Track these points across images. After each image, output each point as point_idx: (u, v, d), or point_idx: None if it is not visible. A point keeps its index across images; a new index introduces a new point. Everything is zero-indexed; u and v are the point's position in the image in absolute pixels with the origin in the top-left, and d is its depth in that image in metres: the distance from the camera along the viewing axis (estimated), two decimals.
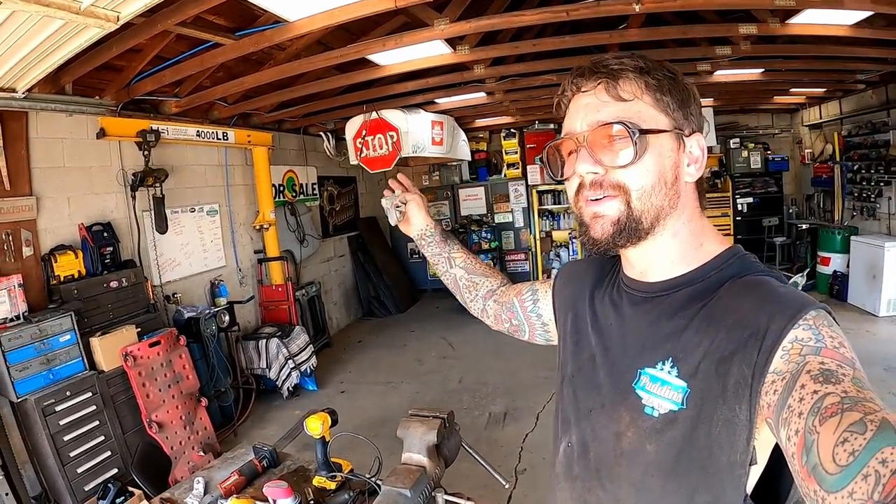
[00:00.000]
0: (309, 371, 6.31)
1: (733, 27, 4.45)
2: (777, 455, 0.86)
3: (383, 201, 1.68)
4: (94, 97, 4.38)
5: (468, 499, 1.91)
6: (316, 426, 2.16)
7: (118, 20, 2.67)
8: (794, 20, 4.25)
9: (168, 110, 5.21)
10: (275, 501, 1.93)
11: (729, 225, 8.99)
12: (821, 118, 8.74)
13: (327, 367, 6.96)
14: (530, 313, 1.42)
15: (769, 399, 0.78)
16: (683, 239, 1.00)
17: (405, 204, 1.67)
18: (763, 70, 6.15)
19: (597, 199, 0.96)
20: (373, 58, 4.80)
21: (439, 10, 4.08)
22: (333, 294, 8.73)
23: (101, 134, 4.55)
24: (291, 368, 6.02)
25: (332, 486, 2.15)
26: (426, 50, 4.71)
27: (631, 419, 0.96)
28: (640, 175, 0.93)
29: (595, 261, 1.25)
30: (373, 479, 2.04)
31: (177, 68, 4.36)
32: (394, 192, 1.69)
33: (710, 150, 6.06)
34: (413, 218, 1.67)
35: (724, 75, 6.21)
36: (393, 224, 1.68)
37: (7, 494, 3.35)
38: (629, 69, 0.95)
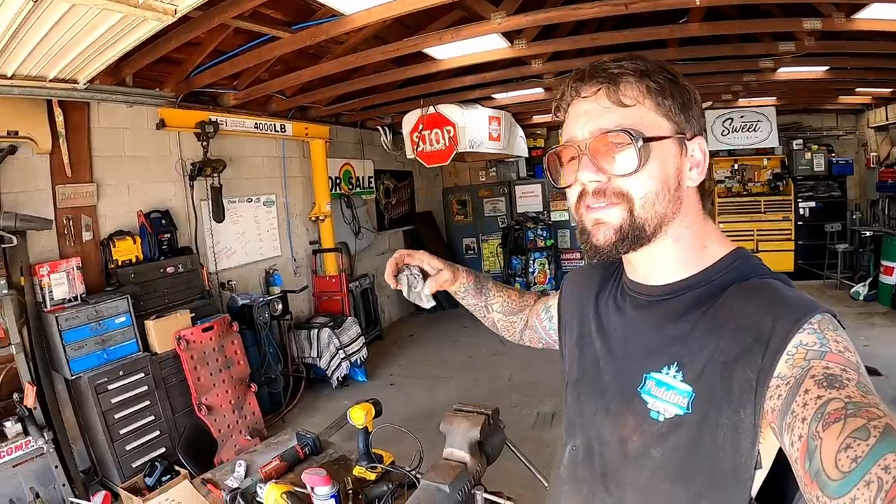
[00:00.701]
0: (359, 362, 6.36)
1: (797, 22, 4.20)
2: (782, 458, 0.84)
3: (404, 288, 1.51)
4: (153, 89, 4.52)
5: (509, 498, 1.87)
6: (359, 416, 2.16)
7: (175, 13, 2.70)
8: (860, 15, 3.98)
9: (227, 102, 5.33)
10: (313, 489, 1.93)
11: (790, 230, 8.67)
12: (887, 120, 8.21)
13: (378, 360, 7.00)
14: (550, 331, 1.43)
15: (773, 404, 0.78)
16: (686, 243, 0.99)
17: (421, 276, 1.52)
18: (828, 68, 5.83)
19: (599, 207, 0.94)
20: (430, 51, 4.79)
21: (496, 4, 4.01)
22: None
23: (161, 125, 4.70)
24: (342, 359, 6.08)
25: (372, 476, 2.15)
26: (483, 44, 4.65)
27: (636, 424, 0.96)
28: (643, 183, 0.92)
29: (598, 267, 1.24)
30: (413, 472, 2.02)
31: (234, 61, 4.44)
32: (405, 267, 1.54)
33: (772, 151, 6.04)
34: (441, 283, 1.53)
35: (787, 73, 5.92)
36: (428, 307, 1.54)
37: (56, 467, 3.47)
38: (629, 73, 0.93)
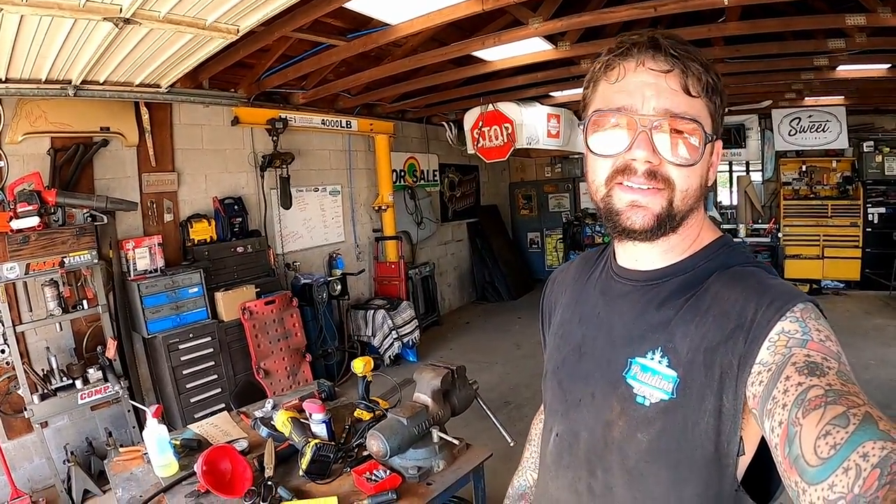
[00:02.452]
0: (411, 343, 6.79)
1: (839, 18, 4.13)
2: (764, 448, 0.86)
3: None
4: (228, 90, 5.10)
5: (460, 439, 2.28)
6: (359, 366, 2.69)
7: (238, 32, 3.18)
8: None
9: (296, 101, 5.87)
10: (310, 414, 2.45)
11: (858, 236, 8.21)
12: None
13: (431, 343, 7.40)
14: None
15: (754, 390, 0.79)
16: (687, 234, 0.98)
17: None
18: (890, 66, 5.61)
19: (640, 189, 0.91)
20: (478, 54, 5.08)
21: (533, 10, 4.22)
22: (448, 276, 9.18)
23: (235, 121, 5.29)
24: (394, 339, 6.53)
25: (367, 417, 2.59)
26: (526, 47, 4.88)
27: (622, 409, 0.96)
28: (689, 176, 0.91)
29: (578, 260, 1.27)
30: (388, 410, 2.44)
31: (298, 66, 4.93)
32: None
33: (841, 152, 7.20)
34: None
35: (847, 70, 5.73)
36: None
37: (129, 411, 4.08)
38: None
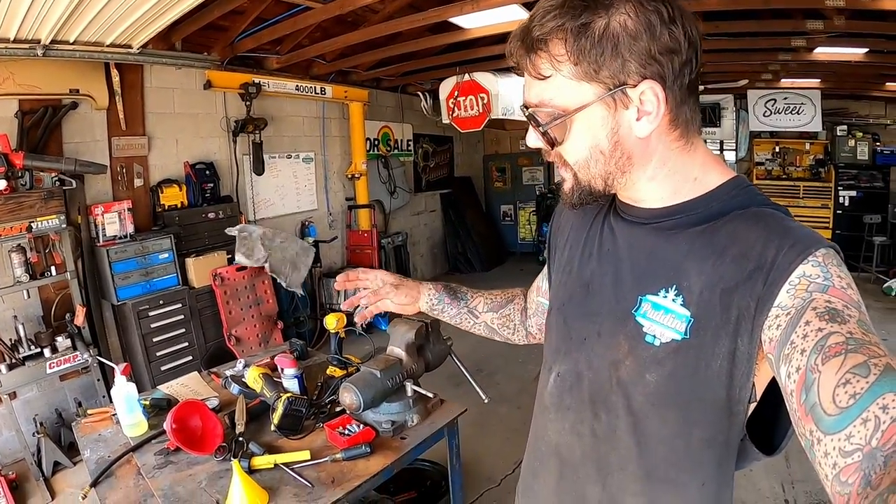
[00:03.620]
0: (383, 312, 6.82)
1: None
2: (773, 396, 0.85)
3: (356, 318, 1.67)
4: (201, 53, 4.99)
5: (434, 394, 2.30)
6: (332, 322, 2.71)
7: None
8: None
9: (270, 66, 5.78)
10: (283, 369, 2.48)
11: (828, 218, 8.39)
12: None
13: None
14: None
15: (771, 334, 0.77)
16: (665, 178, 0.94)
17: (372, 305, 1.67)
18: (867, 50, 5.71)
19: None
20: (455, 20, 5.01)
21: None
22: (421, 246, 9.23)
23: (208, 85, 5.20)
24: (366, 307, 6.56)
25: (340, 373, 2.61)
26: (504, 14, 4.83)
27: (630, 347, 0.93)
28: (572, 151, 0.91)
29: None
30: (362, 363, 2.47)
31: (273, 29, 4.86)
32: (354, 308, 1.68)
33: (815, 135, 6.97)
34: (406, 304, 1.62)
35: (824, 53, 5.80)
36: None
37: (98, 380, 4.08)
38: (551, 31, 0.84)
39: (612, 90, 0.84)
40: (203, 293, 4.94)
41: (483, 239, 10.03)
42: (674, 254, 0.92)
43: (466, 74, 7.04)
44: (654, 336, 0.90)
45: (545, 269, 1.35)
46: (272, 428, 2.20)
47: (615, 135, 0.89)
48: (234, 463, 1.82)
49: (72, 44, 3.72)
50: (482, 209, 10.78)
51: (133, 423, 2.27)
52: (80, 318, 3.97)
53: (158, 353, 4.54)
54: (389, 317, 6.46)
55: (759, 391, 0.86)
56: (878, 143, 8.57)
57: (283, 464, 1.98)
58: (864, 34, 5.07)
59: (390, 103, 8.21)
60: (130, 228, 4.49)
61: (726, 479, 0.94)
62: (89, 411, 2.61)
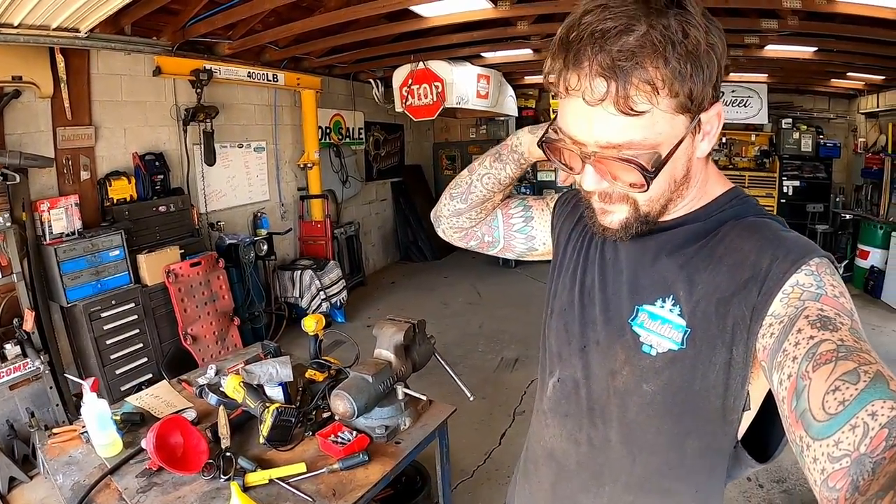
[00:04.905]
0: (339, 304, 6.73)
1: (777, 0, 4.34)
2: (769, 403, 0.86)
3: None
4: (151, 38, 4.70)
5: (424, 395, 2.28)
6: (310, 324, 2.63)
7: None
8: None
9: (221, 52, 5.50)
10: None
11: (772, 206, 8.63)
12: (877, 107, 8.21)
13: (358, 303, 7.35)
14: (516, 232, 1.32)
15: (765, 342, 0.77)
16: (688, 194, 0.93)
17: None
18: (815, 49, 5.92)
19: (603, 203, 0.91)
20: (415, 9, 4.91)
21: None
22: (372, 236, 9.09)
23: (157, 72, 4.91)
24: (322, 300, 6.44)
25: (321, 377, 2.53)
26: (467, 4, 4.80)
27: (627, 357, 0.94)
28: (652, 186, 0.83)
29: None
30: (348, 368, 2.43)
31: (228, 13, 4.61)
32: None
33: (760, 128, 7.11)
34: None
35: (775, 51, 6.00)
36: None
37: (51, 388, 3.83)
38: (643, 58, 0.73)
39: (696, 117, 0.80)
40: (156, 291, 4.70)
41: (434, 227, 9.91)
42: (672, 264, 0.92)
43: (421, 63, 6.96)
44: (651, 346, 0.90)
45: (530, 200, 1.35)
46: (260, 440, 2.12)
47: (689, 161, 0.86)
48: (234, 486, 1.75)
49: (16, 27, 3.42)
50: (432, 197, 10.59)
51: (107, 442, 2.12)
52: (28, 323, 3.71)
53: (113, 357, 4.31)
54: (344, 310, 6.36)
55: (756, 399, 0.87)
56: (821, 136, 8.93)
57: (278, 478, 1.92)
58: (815, 34, 5.25)
59: (342, 91, 8.01)
60: (78, 225, 4.22)
61: (718, 485, 0.96)
62: (54, 430, 2.44)
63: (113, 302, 4.34)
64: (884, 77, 7.22)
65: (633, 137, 0.77)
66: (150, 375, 4.54)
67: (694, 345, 0.86)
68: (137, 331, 4.53)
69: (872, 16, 4.24)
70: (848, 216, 8.41)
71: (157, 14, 4.40)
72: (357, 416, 2.06)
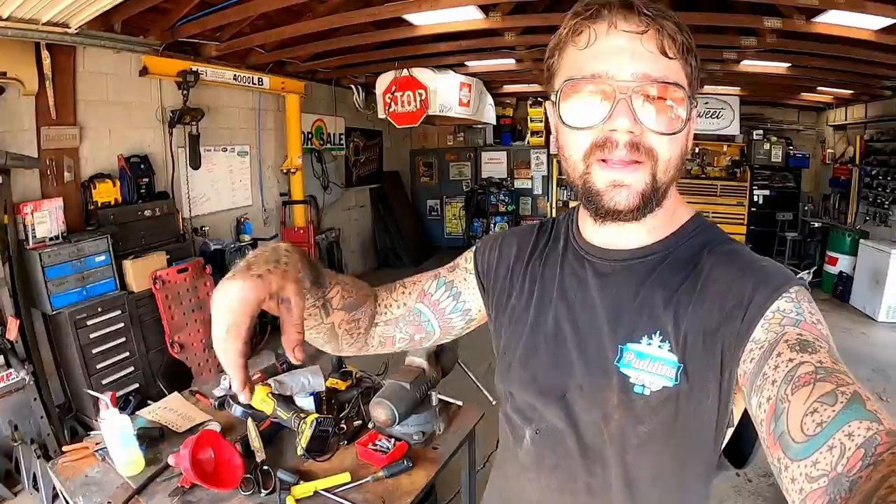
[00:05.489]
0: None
1: (759, 19, 4.41)
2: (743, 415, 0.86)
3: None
4: (139, 36, 4.49)
5: (459, 401, 2.30)
6: None
7: None
8: (820, 19, 4.22)
9: (208, 54, 5.31)
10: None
11: (743, 215, 8.84)
12: (846, 120, 8.49)
13: None
14: (451, 314, 1.16)
15: (745, 367, 0.76)
16: (666, 208, 0.90)
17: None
18: (789, 65, 6.06)
19: (621, 164, 0.81)
20: (409, 17, 4.89)
21: None
22: (351, 242, 8.90)
23: (144, 72, 4.69)
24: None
25: (343, 386, 2.49)
26: (460, 14, 4.78)
27: (620, 400, 0.87)
28: (673, 146, 0.82)
29: (518, 233, 1.14)
30: (379, 377, 2.44)
31: (222, 14, 4.45)
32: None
33: (732, 138, 7.19)
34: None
35: (750, 65, 6.14)
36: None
37: (35, 400, 3.57)
38: (669, 20, 0.79)
39: (694, 101, 0.84)
40: (142, 298, 4.46)
41: (411, 233, 9.87)
42: (653, 299, 0.88)
43: (405, 70, 6.88)
44: (644, 385, 0.85)
45: (446, 274, 1.18)
46: (299, 451, 2.02)
47: (688, 144, 0.87)
48: (291, 500, 1.71)
49: (5, 20, 3.20)
50: (410, 203, 10.58)
51: (129, 460, 1.96)
52: (13, 332, 3.45)
53: (99, 366, 4.05)
54: None
55: (738, 416, 0.87)
56: (790, 147, 9.14)
57: (324, 490, 1.85)
58: (791, 51, 5.36)
59: (324, 96, 7.83)
60: (62, 229, 3.98)
61: (709, 493, 0.95)
62: (64, 448, 2.27)
63: (99, 309, 4.10)
64: (852, 91, 7.45)
65: (668, 75, 0.79)
66: (136, 385, 4.31)
67: (687, 379, 0.83)
68: (124, 339, 4.29)
69: (849, 36, 4.37)
70: (817, 224, 8.62)
71: (146, 13, 4.21)
72: (397, 424, 2.05)
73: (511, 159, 10.32)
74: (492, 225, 9.70)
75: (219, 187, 5.95)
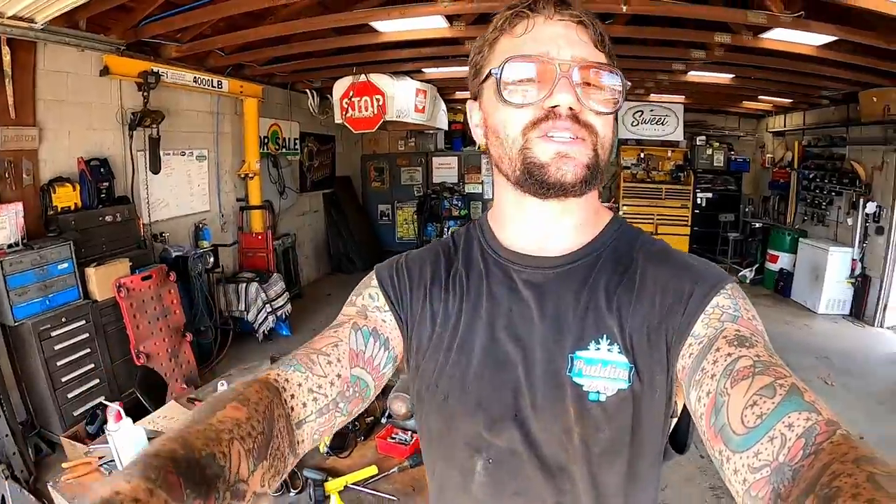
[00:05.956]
0: (284, 317, 6.40)
1: (709, 35, 4.63)
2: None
3: None
4: (100, 34, 4.25)
5: None
6: None
7: None
8: (766, 35, 4.46)
9: (168, 54, 5.09)
10: None
11: (687, 217, 9.13)
12: (784, 126, 8.96)
13: (299, 316, 6.98)
14: (385, 367, 0.94)
15: (685, 362, 0.77)
16: (591, 203, 0.91)
17: None
18: (733, 76, 6.36)
19: (564, 139, 0.79)
20: (376, 24, 4.87)
21: None
22: (306, 247, 8.71)
23: (105, 71, 4.44)
24: (268, 313, 6.10)
25: None
26: (427, 23, 4.81)
27: (577, 411, 0.83)
28: (607, 125, 0.83)
29: (427, 253, 1.02)
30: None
31: (188, 15, 4.31)
32: None
33: (676, 144, 7.54)
34: None
35: (696, 76, 6.40)
36: None
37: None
38: (599, 26, 0.83)
39: (618, 103, 0.84)
40: (106, 307, 4.26)
41: (364, 238, 9.76)
42: (596, 302, 0.85)
43: (363, 75, 6.78)
44: (598, 392, 0.82)
45: (361, 325, 0.93)
46: (322, 450, 2.09)
47: (614, 138, 0.87)
48: (335, 494, 1.76)
49: None
50: (362, 209, 10.46)
51: None
52: None
53: (64, 379, 3.85)
54: (289, 322, 6.06)
55: (680, 406, 0.88)
56: (732, 152, 9.61)
57: (354, 483, 1.91)
58: (737, 64, 5.63)
59: (280, 100, 7.64)
60: (23, 235, 3.72)
61: (659, 479, 0.95)
62: (63, 465, 2.12)
63: (63, 319, 3.87)
64: (791, 100, 7.88)
65: (601, 61, 0.81)
66: (102, 397, 4.06)
67: (640, 378, 0.81)
68: (89, 350, 4.09)
69: (792, 51, 4.64)
70: (758, 224, 9.06)
71: (110, 11, 4.02)
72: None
73: (462, 164, 10.38)
74: (445, 229, 9.70)
75: (177, 192, 5.70)
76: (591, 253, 0.89)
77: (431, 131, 9.82)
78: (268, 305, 6.08)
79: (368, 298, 0.98)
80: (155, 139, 5.02)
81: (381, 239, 10.61)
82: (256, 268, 6.63)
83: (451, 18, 4.75)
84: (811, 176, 8.03)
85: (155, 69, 4.83)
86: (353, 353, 0.89)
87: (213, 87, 5.74)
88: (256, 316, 6.05)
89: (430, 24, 4.86)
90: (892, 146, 6.43)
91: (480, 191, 10.31)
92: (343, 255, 9.42)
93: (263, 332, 6.11)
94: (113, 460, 2.13)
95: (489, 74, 0.83)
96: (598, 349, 0.82)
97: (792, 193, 8.55)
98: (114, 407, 1.97)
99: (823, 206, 7.81)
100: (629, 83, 0.85)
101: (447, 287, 0.95)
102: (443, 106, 8.56)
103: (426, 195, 9.94)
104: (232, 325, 5.99)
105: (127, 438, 1.89)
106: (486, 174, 10.21)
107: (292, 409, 0.79)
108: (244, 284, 6.06)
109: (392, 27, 4.96)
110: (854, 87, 6.19)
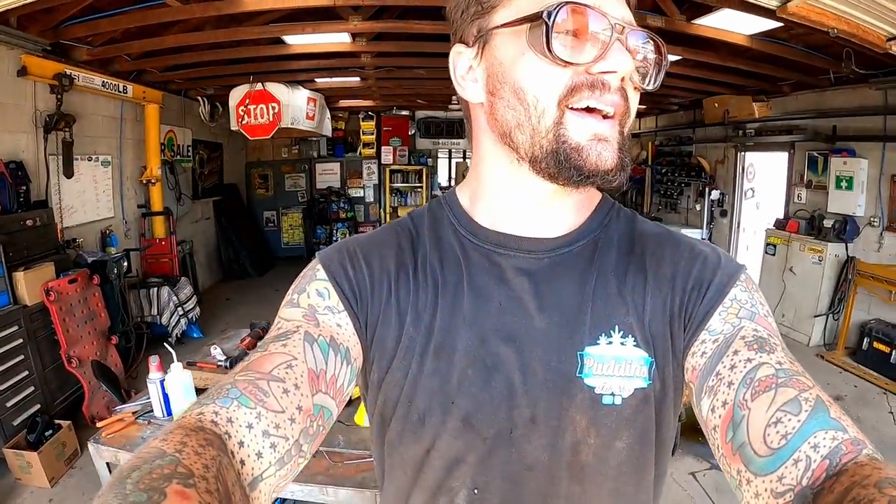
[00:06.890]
0: (194, 319, 6.27)
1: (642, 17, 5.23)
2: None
3: None
4: (23, 32, 4.02)
5: None
6: None
7: None
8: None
9: (79, 57, 4.86)
10: None
11: None
12: (640, 129, 10.06)
13: (207, 320, 6.83)
14: (348, 385, 0.73)
15: (695, 361, 0.68)
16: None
17: None
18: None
19: (599, 115, 0.64)
20: (287, 38, 5.06)
21: (355, 9, 4.41)
22: (199, 254, 8.40)
23: (23, 72, 4.20)
24: (180, 316, 5.96)
25: None
26: (332, 38, 5.07)
27: (590, 420, 0.69)
28: (636, 104, 0.69)
29: (381, 238, 0.82)
30: None
31: (115, 20, 4.22)
32: None
33: None
34: None
35: None
36: None
37: None
38: None
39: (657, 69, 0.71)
40: (36, 312, 4.01)
41: (253, 245, 9.61)
42: (605, 290, 0.72)
43: (259, 84, 6.83)
44: (613, 394, 0.69)
45: (313, 333, 0.70)
46: None
47: None
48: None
49: None
50: (248, 215, 10.24)
51: None
52: None
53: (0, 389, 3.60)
54: (199, 325, 6.10)
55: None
56: None
57: None
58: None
59: (175, 107, 7.35)
60: None
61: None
62: (98, 424, 2.24)
63: None
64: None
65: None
66: (38, 406, 3.89)
67: (661, 375, 0.70)
68: (22, 357, 3.84)
69: None
70: None
71: (36, 13, 3.85)
72: None
73: (344, 170, 10.56)
74: (335, 230, 9.83)
75: (85, 198, 5.40)
76: (589, 233, 0.76)
77: (315, 138, 9.92)
78: (179, 308, 5.95)
79: (316, 296, 0.75)
80: (68, 143, 4.79)
81: (269, 245, 10.48)
82: (163, 273, 6.41)
83: (354, 35, 5.01)
84: (664, 171, 9.16)
85: (68, 72, 4.62)
86: (312, 374, 0.66)
87: (118, 91, 5.53)
88: (170, 319, 5.88)
89: (335, 40, 5.11)
90: (731, 143, 7.53)
91: (363, 195, 10.60)
92: (234, 261, 9.19)
93: (177, 335, 5.95)
94: (151, 411, 2.25)
95: (534, 17, 0.62)
96: (611, 343, 0.70)
97: (647, 186, 9.65)
98: (154, 360, 2.09)
99: (675, 196, 8.96)
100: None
101: (416, 277, 0.76)
102: (328, 114, 8.75)
103: (314, 199, 10.00)
104: (145, 329, 5.77)
105: (177, 382, 2.03)
106: (367, 179, 10.53)
107: (242, 463, 0.56)
108: (156, 289, 5.87)
109: (300, 41, 5.18)
110: (699, 95, 7.29)
